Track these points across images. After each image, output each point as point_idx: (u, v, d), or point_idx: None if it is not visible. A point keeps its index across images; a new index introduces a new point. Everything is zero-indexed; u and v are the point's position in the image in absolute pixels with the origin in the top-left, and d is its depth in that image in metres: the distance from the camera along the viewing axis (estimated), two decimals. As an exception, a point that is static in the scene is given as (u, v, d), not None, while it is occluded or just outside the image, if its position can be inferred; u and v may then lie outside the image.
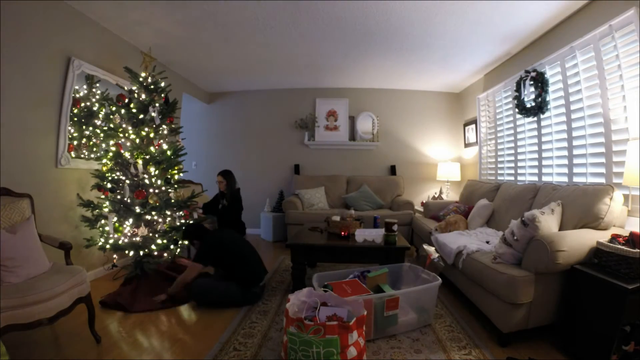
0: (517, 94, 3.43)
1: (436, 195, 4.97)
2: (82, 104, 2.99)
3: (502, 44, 3.47)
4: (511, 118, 3.74)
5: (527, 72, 3.25)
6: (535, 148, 3.30)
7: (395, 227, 2.62)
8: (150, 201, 2.86)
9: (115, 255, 3.00)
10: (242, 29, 3.29)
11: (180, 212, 3.09)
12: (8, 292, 1.60)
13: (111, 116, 2.96)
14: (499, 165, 4.04)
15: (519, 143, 3.60)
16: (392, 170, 5.34)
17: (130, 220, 2.83)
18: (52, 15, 2.64)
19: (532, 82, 3.19)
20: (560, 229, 2.18)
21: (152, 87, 3.02)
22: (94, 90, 3.11)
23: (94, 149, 3.12)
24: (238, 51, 3.87)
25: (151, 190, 2.90)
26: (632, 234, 1.78)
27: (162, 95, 3.12)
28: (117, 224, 2.86)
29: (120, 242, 2.81)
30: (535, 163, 3.31)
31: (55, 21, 2.68)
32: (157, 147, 2.99)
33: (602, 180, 2.46)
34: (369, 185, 4.97)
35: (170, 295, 2.57)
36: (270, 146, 5.53)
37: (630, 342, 1.57)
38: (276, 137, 5.52)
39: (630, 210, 2.19)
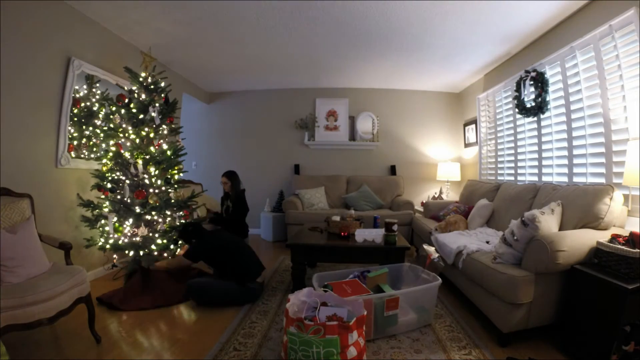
0: (517, 94, 3.43)
1: (436, 195, 4.97)
2: (82, 104, 3.00)
3: (502, 44, 3.47)
4: (511, 118, 3.74)
5: (527, 72, 3.25)
6: (535, 148, 3.30)
7: (395, 227, 2.62)
8: (150, 201, 2.86)
9: (115, 255, 3.00)
10: (242, 29, 3.29)
11: (181, 212, 3.09)
12: (8, 292, 1.60)
13: (111, 116, 2.95)
14: (499, 165, 4.04)
15: (519, 143, 3.60)
16: (392, 170, 5.34)
17: (130, 220, 2.83)
18: (52, 15, 2.64)
19: (532, 82, 3.19)
20: (560, 229, 2.18)
21: (152, 87, 3.02)
22: (94, 90, 3.11)
23: (94, 149, 3.12)
24: (238, 51, 3.87)
25: (151, 190, 2.89)
26: (632, 234, 1.78)
27: (162, 95, 3.12)
28: (117, 224, 2.86)
29: (120, 242, 2.81)
30: (535, 163, 3.31)
31: (55, 21, 2.68)
32: (157, 147, 2.98)
33: (602, 180, 2.46)
34: (369, 185, 4.97)
35: (168, 268, 2.75)
36: (270, 146, 5.52)
37: (630, 342, 1.57)
38: (276, 137, 5.52)
39: (630, 210, 2.19)
